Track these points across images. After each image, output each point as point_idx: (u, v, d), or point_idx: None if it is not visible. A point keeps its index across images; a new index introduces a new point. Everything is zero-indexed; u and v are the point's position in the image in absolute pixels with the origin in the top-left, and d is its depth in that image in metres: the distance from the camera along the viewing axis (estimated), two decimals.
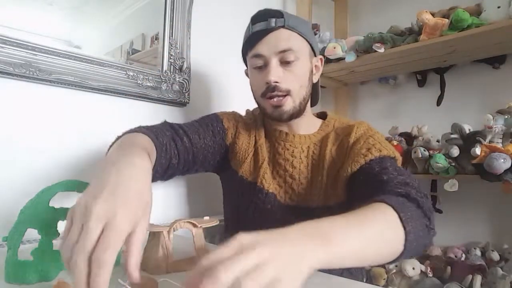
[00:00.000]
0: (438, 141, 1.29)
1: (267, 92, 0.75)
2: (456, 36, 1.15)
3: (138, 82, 1.00)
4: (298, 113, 0.79)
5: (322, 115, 0.91)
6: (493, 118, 1.16)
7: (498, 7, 1.11)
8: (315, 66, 0.82)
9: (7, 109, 0.78)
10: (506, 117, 1.16)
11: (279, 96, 0.75)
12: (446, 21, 1.18)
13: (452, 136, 1.24)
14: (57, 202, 0.51)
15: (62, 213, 0.50)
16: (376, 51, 1.32)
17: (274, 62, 0.74)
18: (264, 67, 0.76)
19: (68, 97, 0.87)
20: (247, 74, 0.85)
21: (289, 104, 0.76)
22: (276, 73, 0.74)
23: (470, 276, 1.11)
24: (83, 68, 0.88)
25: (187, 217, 0.80)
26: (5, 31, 0.76)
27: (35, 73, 0.79)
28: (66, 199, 0.52)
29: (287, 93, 0.75)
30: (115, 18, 1.02)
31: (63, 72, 0.84)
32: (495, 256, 1.21)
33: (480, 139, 1.14)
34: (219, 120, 0.85)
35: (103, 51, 0.96)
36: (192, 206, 1.14)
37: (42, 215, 0.48)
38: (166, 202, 1.07)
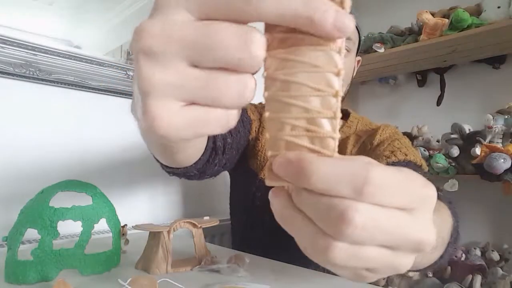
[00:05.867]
0: (438, 141, 1.29)
1: None
2: (456, 36, 1.16)
3: None
4: None
5: (343, 113, 0.84)
6: (493, 118, 1.16)
7: (498, 7, 1.11)
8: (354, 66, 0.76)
9: (7, 109, 0.78)
10: (506, 117, 1.16)
11: None
12: (446, 21, 1.18)
13: (452, 136, 1.24)
14: (57, 202, 0.51)
15: (62, 213, 0.50)
16: (376, 51, 1.32)
17: None
18: None
19: (68, 97, 0.87)
20: None
21: None
22: None
23: (470, 276, 1.11)
24: (83, 68, 0.88)
25: (187, 217, 0.80)
26: (5, 31, 0.76)
27: (35, 73, 0.79)
28: (66, 199, 0.52)
29: None
30: (115, 18, 1.02)
31: (63, 72, 0.84)
32: (495, 256, 1.21)
33: (480, 139, 1.15)
34: (243, 109, 0.77)
35: (103, 51, 0.96)
36: (192, 206, 1.14)
37: (42, 215, 0.48)
38: (166, 202, 1.07)
